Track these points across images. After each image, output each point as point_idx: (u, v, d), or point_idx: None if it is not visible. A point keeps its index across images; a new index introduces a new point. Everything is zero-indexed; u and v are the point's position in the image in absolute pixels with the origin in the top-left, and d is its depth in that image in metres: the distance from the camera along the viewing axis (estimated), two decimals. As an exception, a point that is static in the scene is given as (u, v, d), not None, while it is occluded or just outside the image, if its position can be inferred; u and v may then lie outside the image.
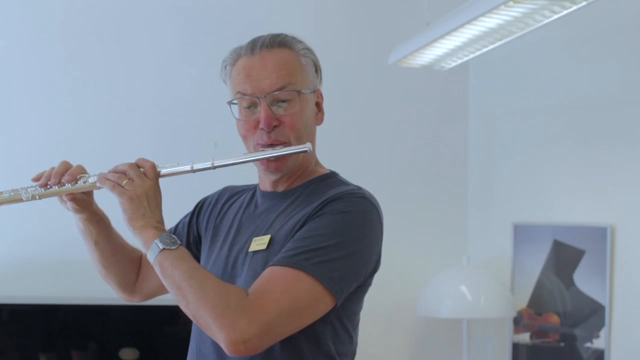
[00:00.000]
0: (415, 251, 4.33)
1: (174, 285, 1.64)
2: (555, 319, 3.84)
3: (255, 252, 1.77)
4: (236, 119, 1.84)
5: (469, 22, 2.89)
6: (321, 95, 1.93)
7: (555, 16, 2.67)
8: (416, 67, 3.57)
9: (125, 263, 2.03)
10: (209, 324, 1.60)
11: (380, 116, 4.36)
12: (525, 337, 3.97)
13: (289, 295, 1.61)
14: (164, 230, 1.73)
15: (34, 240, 3.85)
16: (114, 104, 4.06)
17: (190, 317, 1.65)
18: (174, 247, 1.67)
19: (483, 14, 2.78)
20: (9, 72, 3.98)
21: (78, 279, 3.57)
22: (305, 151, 1.79)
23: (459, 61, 3.41)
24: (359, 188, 1.82)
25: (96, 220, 1.93)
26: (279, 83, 1.78)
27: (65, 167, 1.85)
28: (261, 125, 1.78)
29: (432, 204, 4.39)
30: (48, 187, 1.83)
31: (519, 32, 2.91)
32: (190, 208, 2.11)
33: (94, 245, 1.97)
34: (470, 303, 3.83)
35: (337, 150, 4.28)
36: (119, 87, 4.07)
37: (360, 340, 4.32)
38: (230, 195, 2.02)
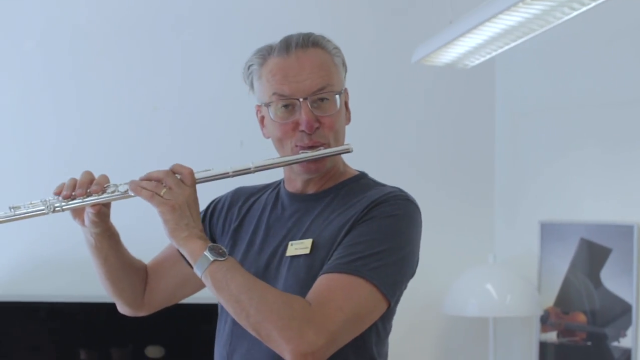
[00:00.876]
0: (441, 250, 4.31)
1: (231, 298, 1.59)
2: (582, 318, 3.81)
3: (294, 256, 1.73)
4: (271, 120, 1.79)
5: (490, 19, 2.87)
6: (348, 94, 1.90)
7: (580, 10, 2.64)
8: (440, 66, 3.56)
9: (132, 277, 1.95)
10: (273, 336, 1.56)
11: (406, 115, 4.35)
12: (552, 336, 3.94)
13: (352, 302, 1.59)
14: (208, 240, 1.67)
15: (70, 238, 3.87)
16: (140, 104, 4.10)
17: (250, 329, 1.60)
18: (223, 258, 1.62)
19: (505, 11, 2.77)
20: (37, 74, 4.04)
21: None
22: (349, 151, 1.78)
23: (482, 59, 3.39)
24: (401, 190, 1.81)
25: (108, 236, 1.85)
26: (319, 84, 1.76)
27: (90, 177, 1.76)
28: (302, 127, 1.75)
29: (459, 202, 4.37)
30: (72, 198, 1.73)
31: (540, 29, 2.88)
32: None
33: (104, 261, 1.88)
34: (496, 301, 3.82)
35: (362, 150, 4.27)
36: (146, 88, 4.11)
37: (386, 339, 4.33)
38: (246, 197, 1.97)
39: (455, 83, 4.35)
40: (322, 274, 1.64)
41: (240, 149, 3.93)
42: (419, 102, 4.37)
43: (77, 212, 1.79)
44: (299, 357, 1.55)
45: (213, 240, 1.96)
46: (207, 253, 1.62)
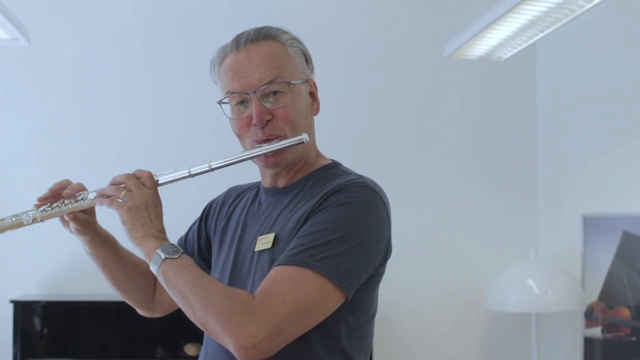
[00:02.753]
0: (483, 246, 4.28)
1: (179, 295, 1.61)
2: (626, 313, 3.73)
3: (261, 251, 1.73)
4: (229, 118, 1.80)
5: (513, 9, 2.84)
6: (314, 84, 1.84)
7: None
8: (473, 59, 3.53)
9: (138, 280, 1.96)
10: (217, 331, 1.57)
11: (444, 112, 4.33)
12: (597, 332, 3.87)
13: (296, 295, 1.57)
14: (165, 239, 1.70)
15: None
16: (180, 105, 4.17)
17: (199, 325, 1.61)
18: (176, 256, 1.64)
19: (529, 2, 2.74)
20: (79, 78, 4.14)
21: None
22: (302, 142, 1.73)
23: (514, 50, 3.36)
24: (360, 177, 1.75)
25: (100, 242, 1.87)
26: (267, 77, 1.73)
27: (65, 183, 1.82)
28: (254, 121, 1.73)
29: (500, 198, 4.33)
30: (49, 208, 1.79)
31: (565, 18, 2.84)
32: (199, 212, 2.07)
33: (104, 267, 1.90)
34: (538, 297, 3.76)
35: (402, 145, 4.29)
36: (185, 89, 4.17)
37: (428, 335, 4.34)
38: (236, 195, 1.97)
39: (494, 76, 4.31)
40: (273, 267, 1.63)
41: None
42: (457, 97, 4.34)
43: (64, 222, 1.84)
44: (241, 351, 1.54)
45: (208, 239, 1.98)
46: (159, 251, 1.65)
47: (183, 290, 1.61)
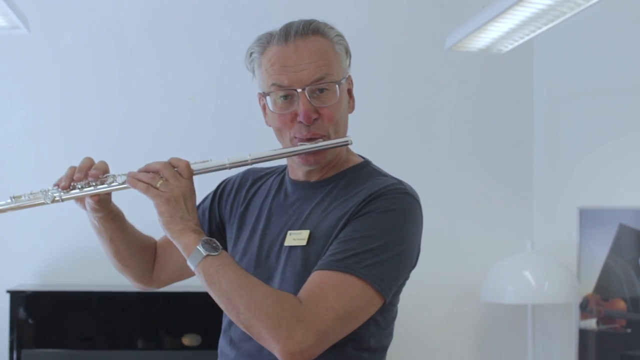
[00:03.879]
0: (479, 237, 4.30)
1: (222, 294, 1.59)
2: (621, 305, 3.76)
3: (292, 247, 1.71)
4: (270, 111, 1.77)
5: (520, 2, 2.85)
6: (352, 81, 1.84)
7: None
8: (473, 51, 3.54)
9: (140, 254, 1.94)
10: (262, 334, 1.56)
11: (442, 103, 4.34)
12: (592, 323, 3.90)
13: (343, 301, 1.57)
14: (203, 233, 1.67)
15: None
16: (177, 95, 4.15)
17: (241, 326, 1.60)
18: (216, 253, 1.61)
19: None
20: (75, 67, 4.11)
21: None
22: (347, 143, 1.74)
23: (515, 44, 3.37)
24: (400, 182, 1.75)
25: (112, 218, 1.84)
26: (317, 74, 1.71)
27: (89, 162, 1.76)
28: (300, 119, 1.71)
29: (497, 190, 4.35)
30: (72, 187, 1.74)
31: (570, 12, 2.85)
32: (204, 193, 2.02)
33: (109, 242, 1.87)
34: (534, 288, 3.79)
35: (399, 137, 4.29)
36: (183, 78, 4.16)
37: (424, 326, 4.35)
38: (254, 179, 1.93)
39: (491, 69, 4.32)
40: (315, 270, 1.62)
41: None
42: (454, 89, 4.35)
43: (79, 199, 1.78)
44: (288, 356, 1.54)
45: (221, 221, 1.95)
46: (200, 247, 1.62)
47: (227, 291, 1.59)
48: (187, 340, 3.72)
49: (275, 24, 3.94)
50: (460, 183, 4.32)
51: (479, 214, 4.32)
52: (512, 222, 4.33)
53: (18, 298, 3.71)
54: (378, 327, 1.71)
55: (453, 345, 4.28)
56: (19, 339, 3.67)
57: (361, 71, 4.21)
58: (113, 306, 3.85)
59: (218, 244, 1.64)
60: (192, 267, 1.64)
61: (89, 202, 1.77)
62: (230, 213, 1.92)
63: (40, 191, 1.74)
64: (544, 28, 3.10)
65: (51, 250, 4.02)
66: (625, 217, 3.74)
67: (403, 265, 1.67)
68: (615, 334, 3.78)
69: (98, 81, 4.13)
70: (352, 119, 4.53)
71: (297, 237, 1.71)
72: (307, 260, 1.67)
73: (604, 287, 3.85)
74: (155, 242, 2.01)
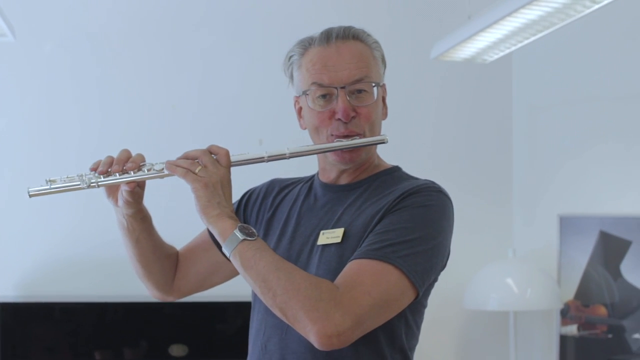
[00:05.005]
0: (461, 245, 4.26)
1: (259, 277, 1.59)
2: (602, 311, 3.82)
3: (326, 245, 1.74)
4: (309, 108, 1.81)
5: (510, 14, 2.88)
6: (385, 89, 1.91)
7: (597, 6, 2.66)
8: (458, 61, 3.57)
9: (163, 262, 1.96)
10: (299, 316, 1.56)
11: (423, 110, 4.37)
12: (572, 329, 3.95)
13: (380, 288, 1.59)
14: (238, 220, 1.67)
15: (84, 239, 3.93)
16: (159, 102, 4.13)
17: (276, 309, 1.60)
18: (253, 238, 1.62)
19: (524, 6, 2.78)
20: (56, 74, 4.08)
21: (128, 276, 3.62)
22: (384, 141, 1.79)
23: (501, 54, 3.41)
24: (433, 182, 1.81)
25: (141, 218, 1.85)
26: (357, 74, 1.77)
27: (127, 154, 1.77)
28: (338, 116, 1.76)
29: (477, 197, 4.39)
30: (108, 174, 1.73)
31: (560, 23, 2.90)
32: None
33: (135, 243, 1.88)
34: (517, 295, 3.83)
35: (379, 145, 4.31)
36: (164, 86, 4.14)
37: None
38: (280, 188, 1.98)
39: (472, 78, 4.37)
40: (352, 259, 1.64)
41: (259, 147, 3.96)
42: (436, 97, 4.39)
43: (111, 191, 1.79)
44: (325, 339, 1.54)
45: None
46: (237, 232, 1.62)
47: (264, 273, 1.59)
48: (174, 350, 3.71)
49: (256, 32, 3.96)
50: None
51: (460, 222, 4.26)
52: (493, 230, 4.37)
53: (1, 309, 3.67)
54: (408, 326, 1.74)
55: (435, 351, 4.30)
56: (3, 351, 3.63)
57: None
58: (96, 316, 3.82)
59: (254, 230, 1.65)
60: (227, 253, 1.64)
61: (122, 194, 1.77)
62: (257, 220, 1.95)
63: (77, 175, 1.73)
64: (532, 39, 3.14)
65: (32, 261, 3.97)
66: (605, 224, 3.80)
67: (436, 260, 1.70)
68: (596, 340, 3.84)
69: (78, 89, 4.09)
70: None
71: (330, 236, 1.74)
72: (342, 256, 1.69)
73: (585, 294, 3.90)
74: (177, 252, 2.02)
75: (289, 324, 1.61)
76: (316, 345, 1.56)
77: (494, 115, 4.44)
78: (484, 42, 3.28)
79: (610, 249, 3.77)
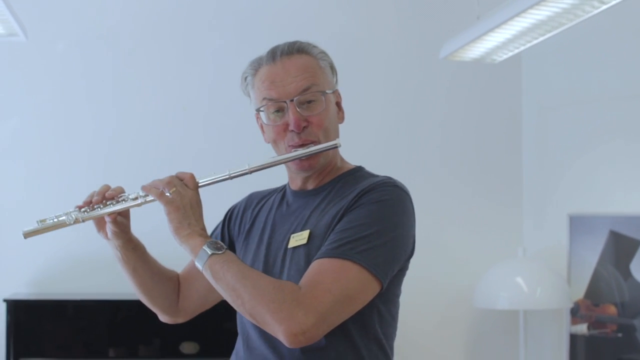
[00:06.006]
0: (471, 244, 4.34)
1: (228, 287, 1.71)
2: (612, 310, 3.82)
3: (295, 247, 1.83)
4: (265, 125, 1.91)
5: (519, 14, 2.89)
6: (339, 95, 1.99)
7: (605, 6, 2.67)
8: (467, 61, 3.58)
9: (164, 286, 2.06)
10: (266, 319, 1.67)
11: (433, 110, 4.38)
12: (582, 328, 3.96)
13: (340, 284, 1.68)
14: (208, 237, 1.79)
15: (97, 236, 3.95)
16: (170, 104, 4.16)
17: (247, 315, 1.72)
18: (221, 252, 1.74)
19: (533, 6, 2.79)
20: (68, 74, 4.12)
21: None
22: (336, 146, 1.88)
23: (510, 54, 3.41)
24: (389, 178, 1.89)
25: (132, 247, 1.97)
26: (303, 85, 1.86)
27: (106, 188, 1.90)
28: (291, 127, 1.85)
29: (487, 197, 4.40)
30: (90, 209, 1.88)
31: (569, 23, 2.90)
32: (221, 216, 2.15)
33: (133, 272, 2.00)
34: (526, 294, 3.84)
35: (390, 145, 4.33)
36: (175, 88, 4.17)
37: (416, 332, 4.39)
38: (258, 200, 2.08)
39: (482, 78, 4.38)
40: (314, 260, 1.74)
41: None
42: (445, 97, 4.40)
43: (100, 226, 1.94)
44: (291, 337, 1.65)
45: (231, 242, 2.08)
46: (205, 247, 1.74)
47: (232, 283, 1.70)
48: (185, 348, 3.73)
49: (265, 34, 4.00)
50: (451, 190, 4.36)
51: (470, 221, 4.36)
52: (503, 229, 4.38)
53: (14, 307, 3.70)
54: (380, 316, 1.82)
55: (445, 350, 4.31)
56: (15, 348, 3.66)
57: (354, 79, 4.28)
58: (108, 314, 3.85)
59: (223, 244, 1.77)
60: (199, 267, 1.76)
61: (109, 227, 1.92)
62: (238, 232, 2.06)
63: (63, 213, 1.88)
64: (540, 39, 3.15)
65: (45, 259, 4.01)
66: (615, 223, 3.80)
67: (398, 251, 1.79)
68: (606, 339, 3.84)
69: (90, 90, 4.14)
70: (344, 126, 4.57)
71: (298, 238, 1.84)
72: (309, 256, 1.79)
73: (595, 293, 3.91)
74: (177, 275, 2.12)
75: (260, 327, 1.72)
76: (286, 344, 1.67)
77: (503, 115, 4.45)
78: (493, 42, 3.29)
79: (621, 248, 3.78)
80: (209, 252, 1.73)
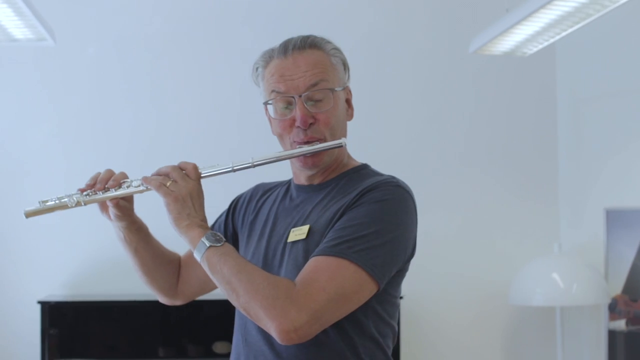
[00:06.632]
0: (506, 240, 4.30)
1: (223, 280, 1.71)
2: (651, 305, 3.75)
3: (294, 242, 1.82)
4: (272, 118, 1.91)
5: (546, 5, 2.85)
6: (350, 91, 1.97)
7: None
8: (498, 55, 3.54)
9: (165, 268, 2.06)
10: (259, 315, 1.66)
11: (465, 106, 4.34)
12: (621, 324, 3.89)
13: (335, 283, 1.67)
14: (208, 228, 1.79)
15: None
16: (202, 103, 4.19)
17: (241, 309, 1.71)
18: (219, 244, 1.73)
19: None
20: (101, 77, 4.15)
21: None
22: (341, 145, 1.85)
23: (540, 46, 3.37)
24: (393, 177, 1.86)
25: (135, 229, 1.97)
26: (312, 81, 1.84)
27: (110, 174, 1.89)
28: (297, 123, 1.84)
29: (522, 192, 4.35)
30: (93, 193, 1.87)
31: (597, 14, 2.85)
32: (226, 206, 2.14)
33: (135, 253, 1.99)
34: (562, 291, 3.79)
35: (421, 141, 4.29)
36: (208, 87, 4.19)
37: (452, 327, 4.36)
38: (263, 191, 2.07)
39: (514, 71, 4.33)
40: (311, 257, 1.73)
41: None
42: (476, 92, 4.36)
43: (103, 208, 1.92)
44: (283, 334, 1.64)
45: (235, 232, 2.08)
46: (204, 239, 1.74)
47: (227, 276, 1.70)
48: (218, 347, 3.74)
49: (296, 32, 3.96)
50: (485, 187, 4.32)
51: (505, 217, 4.32)
52: (539, 225, 4.33)
53: (48, 309, 3.74)
54: (379, 317, 1.81)
55: (481, 346, 4.28)
56: (50, 350, 3.70)
57: (383, 76, 4.26)
58: (140, 315, 3.86)
59: (222, 237, 1.76)
60: (197, 258, 1.75)
61: (112, 210, 1.90)
62: (242, 223, 2.05)
63: (66, 195, 1.87)
64: (570, 30, 3.10)
65: (80, 261, 4.05)
66: (653, 217, 3.73)
67: (397, 252, 1.77)
68: (645, 335, 3.77)
69: (124, 91, 4.17)
70: (375, 122, 4.57)
71: (298, 233, 1.83)
72: (307, 252, 1.77)
73: (633, 288, 3.84)
74: (179, 257, 2.12)
75: (254, 322, 1.72)
76: (278, 340, 1.66)
77: (537, 108, 4.39)
78: (522, 35, 3.25)
79: (659, 242, 3.71)
80: (207, 244, 1.73)
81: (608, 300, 3.85)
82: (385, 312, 1.83)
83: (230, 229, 2.08)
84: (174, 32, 4.21)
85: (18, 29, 3.08)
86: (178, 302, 2.14)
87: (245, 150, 4.15)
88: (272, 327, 1.64)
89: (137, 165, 4.08)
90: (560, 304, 3.83)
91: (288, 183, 2.03)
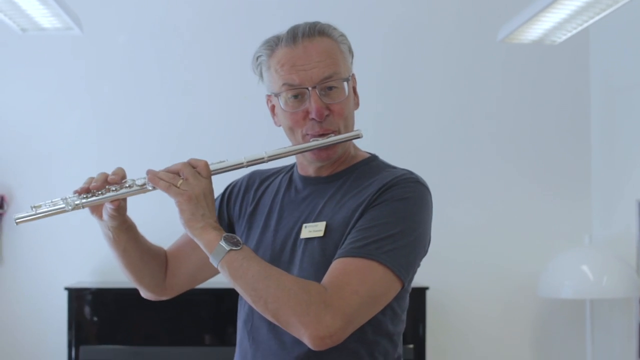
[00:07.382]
0: (536, 231, 4.24)
1: (248, 287, 1.63)
2: (683, 299, 3.68)
3: (308, 239, 1.77)
4: (282, 110, 1.81)
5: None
6: (355, 79, 1.89)
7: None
8: (527, 43, 3.48)
9: (152, 264, 1.96)
10: (291, 321, 1.61)
11: (495, 96, 4.29)
12: (652, 318, 3.82)
13: (367, 286, 1.64)
14: (223, 230, 1.70)
15: (157, 227, 4.00)
16: (232, 93, 4.18)
17: (268, 315, 1.64)
18: (238, 248, 1.65)
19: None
20: (132, 66, 4.18)
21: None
22: (358, 136, 1.81)
23: (569, 34, 3.31)
24: (410, 172, 1.82)
25: (126, 228, 1.86)
26: (326, 72, 1.78)
27: (105, 175, 1.77)
28: (312, 116, 1.77)
29: (553, 183, 4.29)
30: (91, 194, 1.75)
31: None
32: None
33: (123, 253, 1.89)
34: (592, 283, 3.73)
35: (450, 130, 4.25)
36: (237, 77, 4.18)
37: (480, 319, 4.32)
38: (261, 180, 1.99)
39: (545, 60, 4.26)
40: (336, 258, 1.68)
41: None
42: (505, 82, 4.30)
43: (95, 208, 1.80)
44: (318, 341, 1.59)
45: (230, 223, 1.99)
46: (222, 243, 1.65)
47: (253, 282, 1.63)
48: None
49: (325, 21, 3.93)
50: (517, 177, 4.27)
51: (535, 208, 4.26)
52: (570, 216, 4.27)
53: (76, 295, 3.77)
54: (394, 313, 1.79)
55: (509, 338, 4.23)
56: (77, 336, 3.73)
57: (412, 66, 4.23)
58: (175, 303, 3.87)
59: (239, 239, 1.68)
60: (214, 264, 1.67)
61: (107, 210, 1.79)
62: (240, 214, 1.98)
63: (61, 199, 1.76)
64: (599, 16, 3.03)
65: (106, 248, 4.06)
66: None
67: (419, 250, 1.75)
68: (677, 329, 3.70)
69: (159, 80, 4.20)
70: (405, 112, 4.53)
71: (313, 229, 1.77)
72: (325, 250, 1.73)
73: (665, 281, 3.76)
74: (165, 252, 2.03)
75: (283, 328, 1.65)
76: (310, 346, 1.61)
77: (570, 98, 4.32)
78: (549, 23, 3.19)
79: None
80: (227, 248, 1.64)
81: (639, 294, 3.79)
82: (400, 308, 1.81)
83: (225, 218, 1.99)
84: (202, 23, 4.22)
85: (45, 18, 3.10)
86: (165, 297, 2.04)
87: (277, 139, 4.17)
88: (306, 334, 1.60)
89: (169, 154, 4.14)
90: (590, 296, 3.77)
91: (289, 172, 1.96)
